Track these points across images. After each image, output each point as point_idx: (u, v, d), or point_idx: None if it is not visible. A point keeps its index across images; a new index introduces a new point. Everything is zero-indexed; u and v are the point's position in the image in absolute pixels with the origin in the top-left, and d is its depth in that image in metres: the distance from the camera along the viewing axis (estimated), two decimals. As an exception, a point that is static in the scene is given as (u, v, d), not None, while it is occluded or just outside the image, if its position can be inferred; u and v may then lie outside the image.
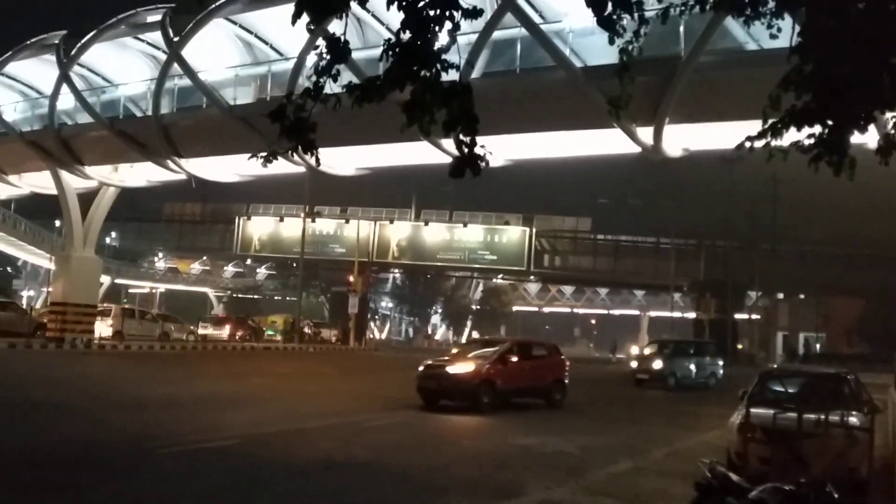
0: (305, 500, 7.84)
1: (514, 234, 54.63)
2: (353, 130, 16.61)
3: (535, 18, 18.19)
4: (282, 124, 5.03)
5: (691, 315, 56.61)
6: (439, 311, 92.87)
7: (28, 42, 29.84)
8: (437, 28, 4.84)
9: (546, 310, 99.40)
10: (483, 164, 5.08)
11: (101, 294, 43.85)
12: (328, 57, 5.10)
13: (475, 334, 78.58)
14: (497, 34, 18.35)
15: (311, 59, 20.35)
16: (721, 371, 29.22)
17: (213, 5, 23.05)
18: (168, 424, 11.66)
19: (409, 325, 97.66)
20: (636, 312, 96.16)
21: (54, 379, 18.41)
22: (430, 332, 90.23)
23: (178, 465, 8.91)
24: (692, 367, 27.44)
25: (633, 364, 29.13)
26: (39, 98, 30.47)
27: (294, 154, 5.19)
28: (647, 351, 30.75)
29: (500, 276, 72.67)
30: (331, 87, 5.22)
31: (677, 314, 63.75)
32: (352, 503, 7.93)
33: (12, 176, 32.64)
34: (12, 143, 29.94)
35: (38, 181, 32.59)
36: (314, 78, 5.11)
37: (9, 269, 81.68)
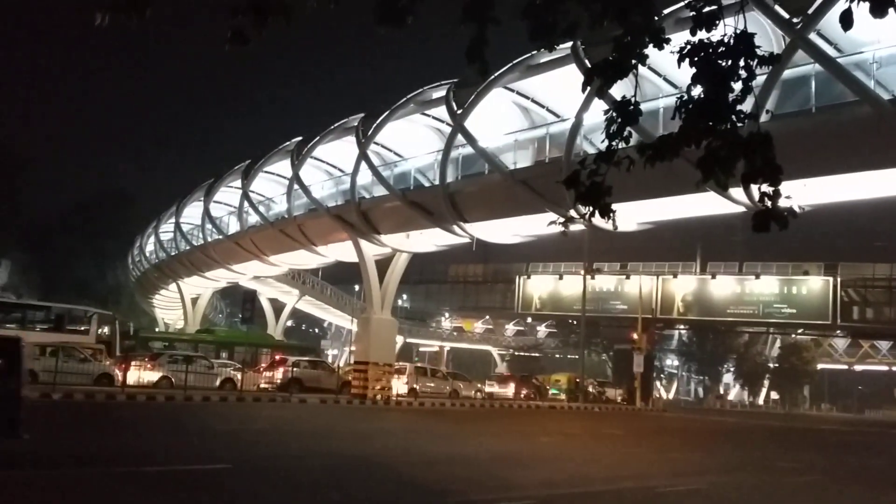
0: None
1: (815, 284, 50.08)
2: (636, 186, 16.33)
3: (831, 52, 16.88)
4: (576, 190, 5.05)
5: None
6: (731, 369, 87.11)
7: (332, 127, 33.44)
8: (731, 79, 4.65)
9: (857, 367, 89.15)
10: (791, 216, 4.72)
11: (396, 352, 46.91)
12: (619, 120, 5.08)
13: (774, 395, 72.81)
14: (787, 73, 17.29)
15: (588, 117, 20.74)
16: None
17: (493, 76, 24.23)
18: (464, 481, 12.01)
19: (698, 384, 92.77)
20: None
21: (360, 433, 19.88)
22: (721, 392, 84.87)
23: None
24: None
25: None
26: (342, 176, 33.88)
27: (590, 219, 5.19)
28: None
29: (800, 330, 66.73)
30: (622, 147, 5.19)
31: None
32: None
33: (320, 246, 36.33)
34: (320, 217, 33.46)
35: (341, 250, 35.95)
36: (605, 141, 5.11)
37: (317, 330, 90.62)
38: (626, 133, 5.03)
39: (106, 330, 35.84)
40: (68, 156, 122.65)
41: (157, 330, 58.11)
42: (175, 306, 59.00)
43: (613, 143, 5.03)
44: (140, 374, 29.97)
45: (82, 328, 34.59)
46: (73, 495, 9.11)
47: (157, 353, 33.50)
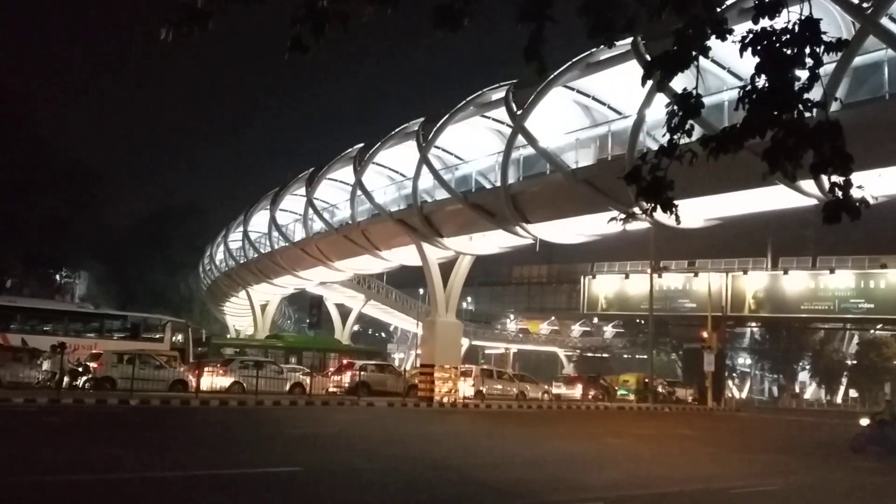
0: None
1: (893, 278, 48.35)
2: (701, 182, 16.08)
3: (905, 37, 16.30)
4: (638, 185, 4.99)
5: None
6: (807, 367, 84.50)
7: (392, 133, 33.76)
8: (796, 67, 4.54)
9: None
10: (863, 206, 4.58)
11: (462, 355, 46.97)
12: (680, 113, 5.00)
13: (853, 393, 70.35)
14: (858, 59, 16.74)
15: (650, 113, 20.45)
16: None
17: (552, 75, 24.11)
18: (533, 483, 11.96)
19: (772, 383, 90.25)
20: None
21: (427, 435, 19.98)
22: (797, 390, 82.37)
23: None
24: None
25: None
26: (403, 180, 34.15)
27: (653, 215, 5.12)
28: None
29: (878, 326, 64.50)
30: (685, 141, 5.11)
31: None
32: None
33: (384, 251, 36.67)
34: (384, 222, 33.78)
35: (405, 254, 36.23)
36: (667, 135, 5.03)
37: (383, 334, 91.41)
38: (688, 126, 4.95)
39: (179, 337, 36.85)
40: (140, 169, 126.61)
41: (228, 336, 59.45)
42: (245, 313, 60.30)
43: (675, 137, 4.96)
44: (213, 380, 30.73)
45: (157, 336, 35.66)
46: (152, 499, 9.38)
47: (229, 359, 34.27)
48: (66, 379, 26.32)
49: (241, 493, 9.98)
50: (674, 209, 4.95)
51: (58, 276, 61.43)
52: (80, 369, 27.75)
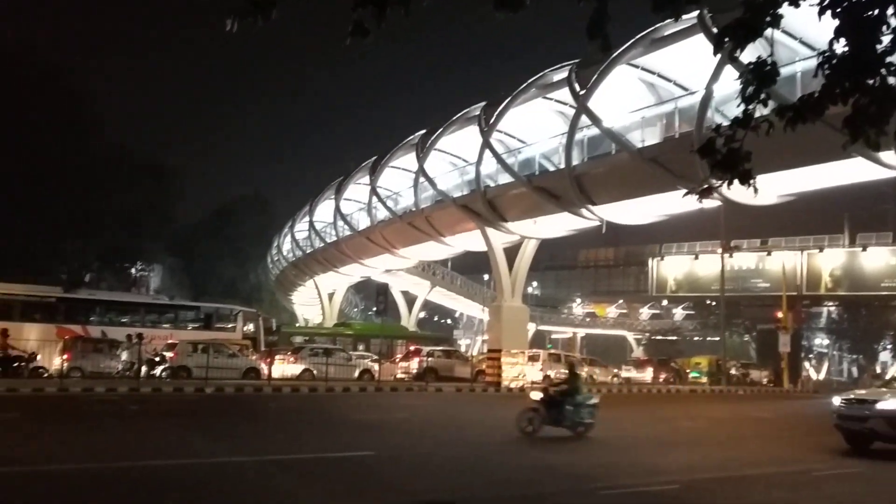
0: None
1: (979, 252, 46.30)
2: (776, 156, 15.47)
3: None
4: (712, 159, 4.84)
5: None
6: (889, 346, 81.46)
7: (454, 118, 33.67)
8: (879, 30, 4.32)
9: None
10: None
11: (528, 340, 46.80)
12: (755, 82, 4.82)
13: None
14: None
15: (718, 88, 19.89)
16: None
17: (616, 53, 23.68)
18: (606, 466, 11.84)
19: (851, 363, 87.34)
20: None
21: (496, 420, 19.88)
22: (878, 370, 79.46)
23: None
24: None
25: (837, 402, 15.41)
26: (466, 165, 34.07)
27: (729, 187, 4.96)
28: None
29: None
30: (760, 112, 4.94)
31: None
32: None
33: (448, 237, 36.69)
34: (447, 208, 33.77)
35: (469, 240, 36.17)
36: (740, 107, 4.87)
37: (448, 320, 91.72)
38: (762, 96, 4.78)
39: (251, 327, 37.64)
40: (209, 163, 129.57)
41: (297, 325, 60.49)
42: (312, 302, 61.24)
43: (750, 107, 4.79)
44: (284, 368, 31.32)
45: (229, 326, 36.48)
46: (230, 483, 9.60)
47: (299, 347, 34.85)
48: (144, 368, 27.17)
49: (315, 478, 10.14)
50: (752, 181, 4.78)
51: (133, 270, 63.33)
52: (157, 359, 28.60)
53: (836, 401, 15.28)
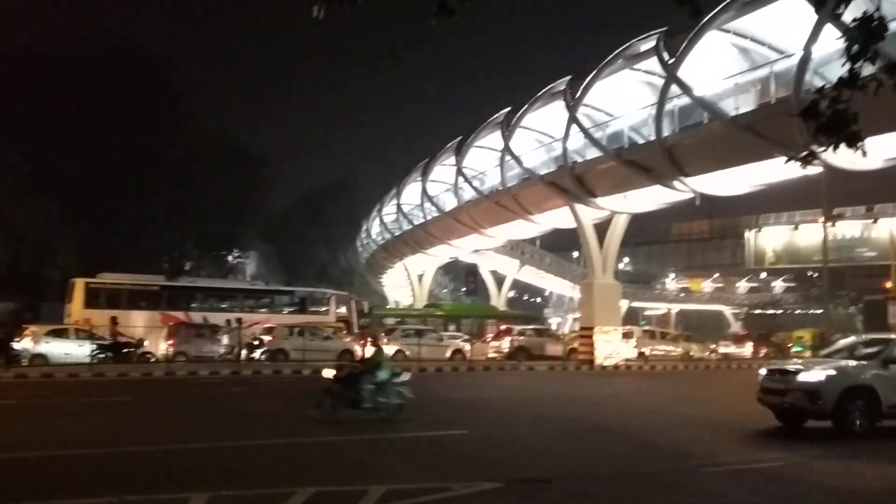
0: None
1: None
2: (882, 117, 14.61)
3: None
4: (816, 122, 4.58)
5: None
6: None
7: (538, 94, 33.27)
8: None
9: None
10: None
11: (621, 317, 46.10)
12: (861, 39, 4.52)
13: None
14: None
15: (816, 49, 18.95)
16: None
17: (706, 19, 22.89)
18: (705, 444, 11.54)
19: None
20: None
21: (590, 398, 19.77)
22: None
23: (725, 484, 8.69)
24: None
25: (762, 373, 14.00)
26: (552, 142, 33.66)
27: (835, 151, 4.69)
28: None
29: None
30: (867, 71, 4.65)
31: None
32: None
33: (536, 215, 36.39)
34: (534, 185, 33.49)
35: (557, 217, 35.79)
36: (846, 65, 4.58)
37: (538, 299, 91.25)
38: (869, 54, 4.49)
39: (343, 309, 38.36)
40: (298, 150, 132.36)
41: (388, 307, 61.36)
42: (402, 284, 61.95)
43: (856, 67, 4.51)
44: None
45: (322, 309, 37.30)
46: (332, 457, 9.80)
47: (391, 329, 35.33)
48: (243, 352, 28.07)
49: (411, 455, 10.25)
50: (860, 143, 4.51)
51: (229, 257, 65.56)
52: (256, 342, 29.52)
53: (763, 372, 13.84)
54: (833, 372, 12.35)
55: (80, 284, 31.92)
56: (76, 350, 25.63)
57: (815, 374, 12.36)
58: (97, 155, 43.68)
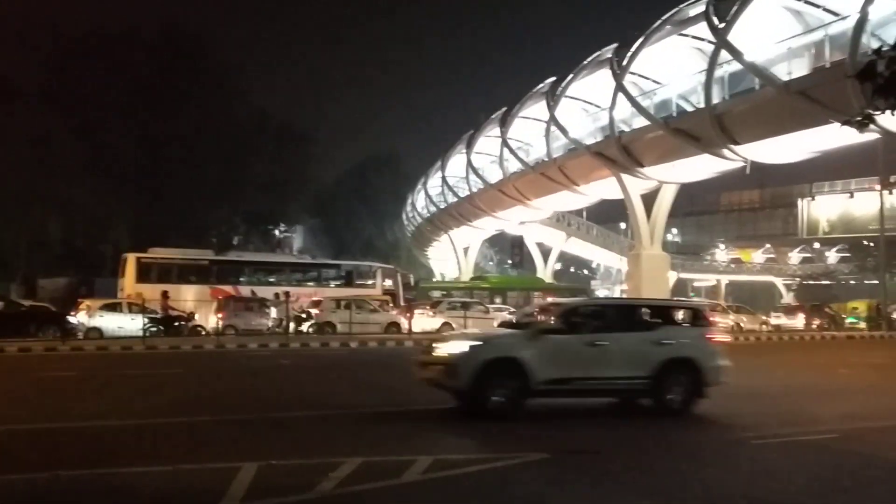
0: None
1: None
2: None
3: None
4: (874, 83, 4.42)
5: None
6: None
7: (584, 62, 32.81)
8: None
9: None
10: None
11: (670, 289, 45.54)
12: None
13: None
14: None
15: (873, 10, 18.33)
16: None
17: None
18: (757, 415, 11.37)
19: None
20: None
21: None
22: None
23: (775, 455, 8.56)
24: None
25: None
26: (598, 111, 33.22)
27: (894, 113, 4.52)
28: None
29: None
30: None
31: None
32: None
33: (582, 186, 36.05)
34: (580, 156, 33.17)
35: (604, 188, 35.44)
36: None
37: (585, 271, 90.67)
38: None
39: (389, 282, 38.59)
40: (343, 125, 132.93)
41: (434, 280, 61.60)
42: (448, 257, 62.10)
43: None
44: (423, 322, 31.96)
45: (369, 282, 37.59)
46: (362, 427, 9.91)
47: (437, 302, 35.44)
48: (292, 325, 28.46)
49: (458, 424, 10.30)
50: (922, 105, 4.35)
51: (276, 232, 66.41)
52: (304, 315, 29.89)
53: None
54: (477, 343, 10.72)
55: (131, 259, 32.63)
56: (129, 324, 26.22)
57: (453, 346, 10.80)
58: (148, 133, 44.51)
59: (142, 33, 46.63)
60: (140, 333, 24.72)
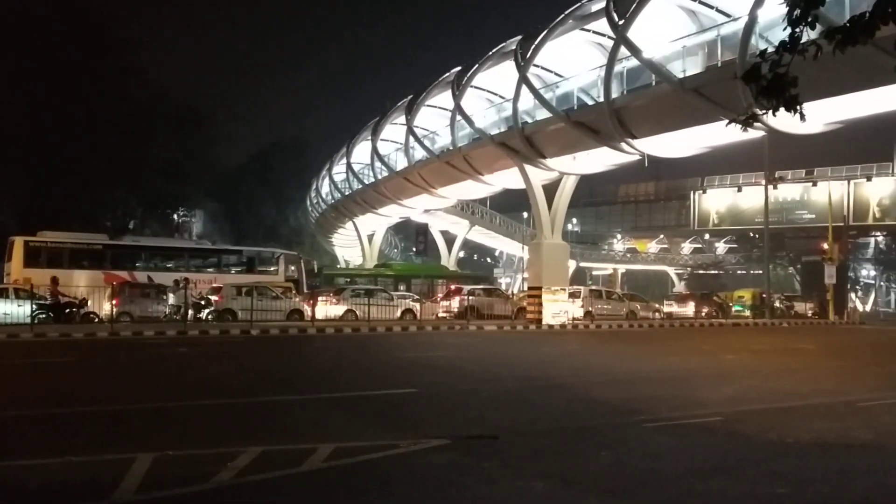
0: (807, 480, 7.23)
1: None
2: (822, 82, 15.01)
3: None
4: (757, 84, 4.68)
5: None
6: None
7: (489, 53, 33.10)
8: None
9: None
10: None
11: (569, 277, 46.66)
12: (802, 4, 4.64)
13: None
14: None
15: (762, 14, 19.19)
16: None
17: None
18: (649, 400, 11.85)
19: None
20: None
21: (539, 356, 20.09)
22: None
23: (666, 438, 8.95)
24: None
25: None
26: (503, 102, 33.61)
27: (775, 114, 4.81)
28: None
29: None
30: (807, 36, 4.77)
31: None
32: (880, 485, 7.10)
33: (486, 175, 36.44)
34: (484, 146, 33.49)
35: (507, 178, 35.90)
36: (786, 31, 4.70)
37: (489, 259, 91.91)
38: (809, 18, 4.61)
39: (292, 269, 38.07)
40: (245, 109, 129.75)
41: (338, 267, 61.12)
42: (352, 244, 61.73)
43: (797, 30, 4.62)
44: (327, 309, 31.75)
45: (271, 269, 36.98)
46: (280, 417, 9.84)
47: (341, 289, 35.25)
48: (190, 312, 27.77)
49: (361, 413, 10.34)
50: (799, 107, 4.64)
51: (175, 216, 64.41)
52: (203, 302, 29.20)
53: None
54: None
55: (19, 243, 31.05)
56: (16, 310, 25.04)
57: None
58: (37, 110, 42.23)
59: (33, 4, 44.12)
60: (28, 321, 23.64)
